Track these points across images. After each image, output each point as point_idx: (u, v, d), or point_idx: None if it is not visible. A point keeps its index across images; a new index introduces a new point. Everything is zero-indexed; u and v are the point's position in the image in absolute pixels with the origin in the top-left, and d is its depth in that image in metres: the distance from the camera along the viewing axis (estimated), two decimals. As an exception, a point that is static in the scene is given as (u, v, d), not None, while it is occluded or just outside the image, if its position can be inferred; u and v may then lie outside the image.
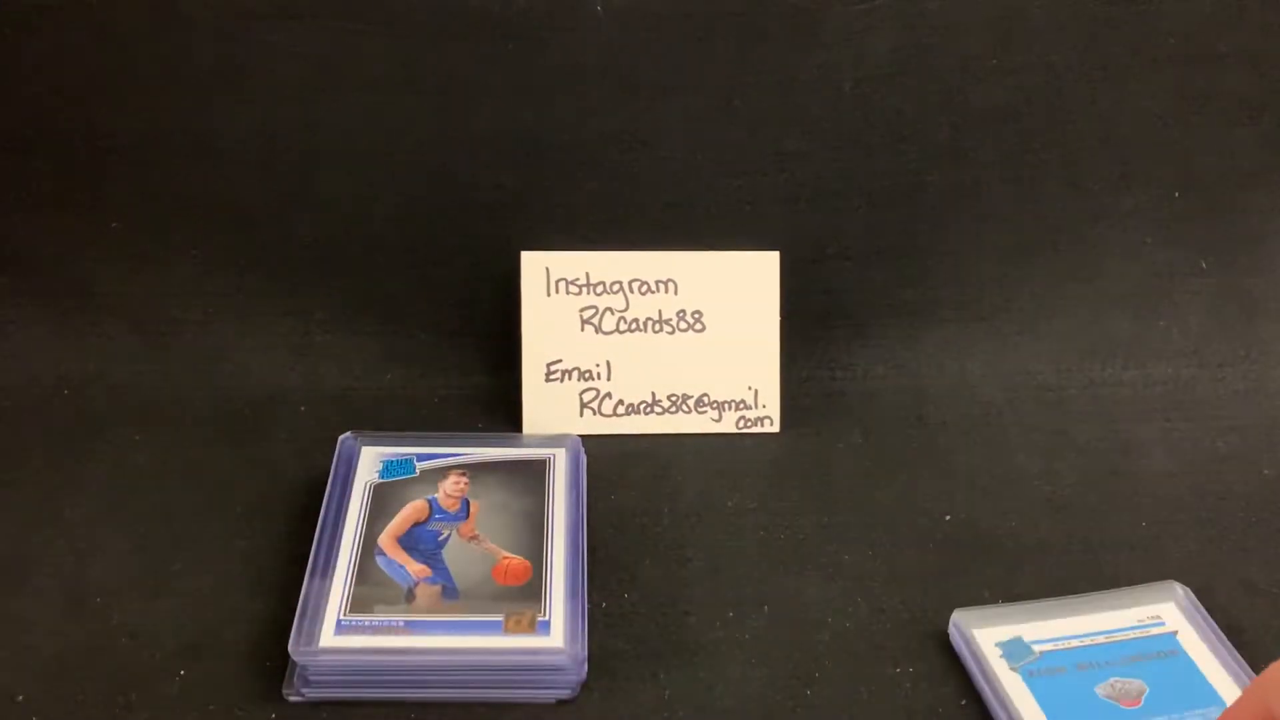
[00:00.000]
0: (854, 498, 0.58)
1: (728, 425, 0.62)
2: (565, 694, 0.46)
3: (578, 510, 0.53)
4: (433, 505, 0.53)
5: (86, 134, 0.60)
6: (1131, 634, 0.49)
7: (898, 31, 0.60)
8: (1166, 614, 0.50)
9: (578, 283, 0.61)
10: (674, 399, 0.62)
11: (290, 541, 0.53)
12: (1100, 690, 0.46)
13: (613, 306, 0.61)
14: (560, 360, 0.61)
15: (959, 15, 0.60)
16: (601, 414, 0.61)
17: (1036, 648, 0.48)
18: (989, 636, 0.48)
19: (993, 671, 0.47)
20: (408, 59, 0.60)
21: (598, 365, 0.61)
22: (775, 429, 0.62)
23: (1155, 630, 0.49)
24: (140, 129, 0.60)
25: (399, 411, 0.62)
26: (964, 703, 0.47)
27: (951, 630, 0.49)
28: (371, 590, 0.48)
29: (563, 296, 0.61)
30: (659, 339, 0.61)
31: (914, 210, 0.64)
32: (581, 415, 0.61)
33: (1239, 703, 0.33)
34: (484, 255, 0.63)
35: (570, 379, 0.61)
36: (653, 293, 0.61)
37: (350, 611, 0.47)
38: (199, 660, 0.47)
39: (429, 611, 0.47)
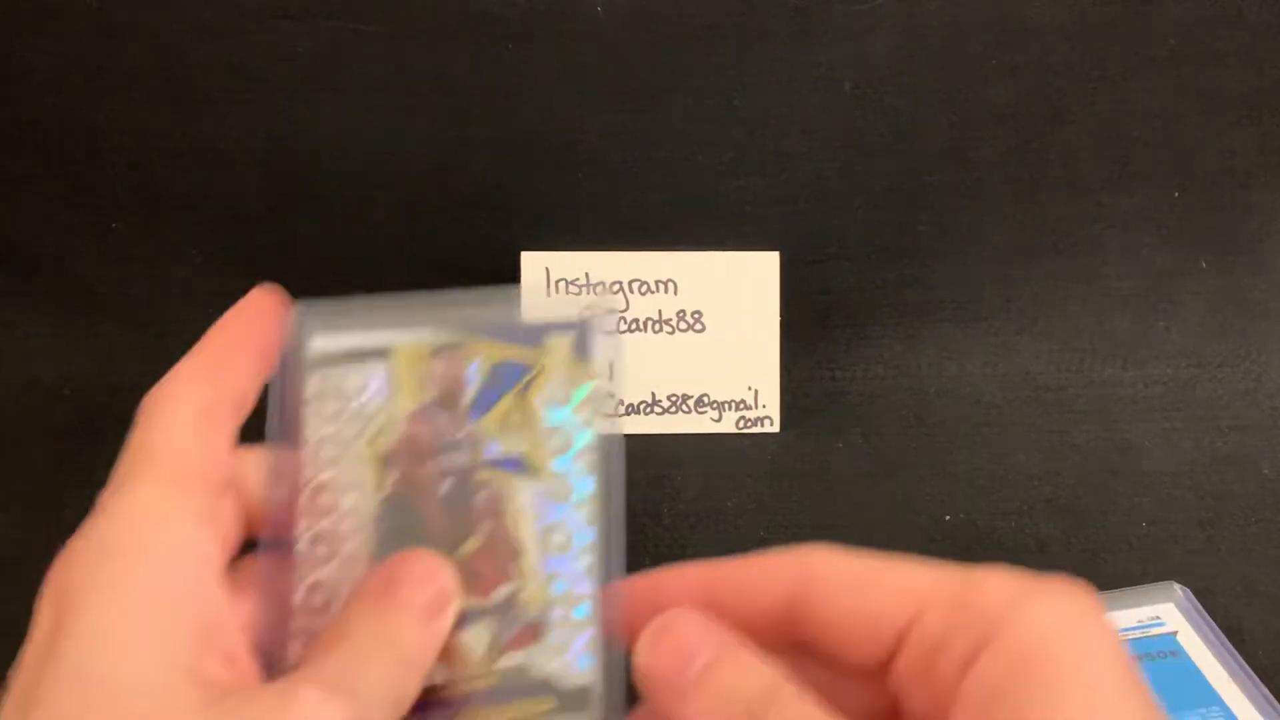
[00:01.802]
0: (854, 498, 0.58)
1: (728, 425, 0.62)
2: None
3: (578, 510, 0.53)
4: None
5: (86, 134, 0.60)
6: (1132, 634, 0.49)
7: (898, 31, 0.60)
8: (1166, 614, 0.50)
9: (578, 283, 0.61)
10: (674, 399, 0.62)
11: (290, 542, 0.53)
12: (1100, 690, 0.46)
13: (613, 306, 0.61)
14: (560, 360, 0.61)
15: (959, 15, 0.60)
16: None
17: (1037, 648, 0.48)
18: (989, 637, 0.48)
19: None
20: (408, 59, 0.60)
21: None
22: (775, 429, 0.62)
23: (1155, 631, 0.49)
24: (140, 129, 0.60)
25: (399, 411, 0.62)
26: (964, 703, 0.47)
27: (951, 630, 0.49)
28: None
29: (563, 296, 0.61)
30: (659, 339, 0.61)
31: (914, 210, 0.64)
32: (581, 415, 0.61)
33: None
34: (484, 255, 0.63)
35: (570, 379, 0.61)
36: (653, 293, 0.61)
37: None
38: (199, 660, 0.47)
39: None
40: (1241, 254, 0.67)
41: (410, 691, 0.29)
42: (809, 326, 0.65)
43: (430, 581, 0.30)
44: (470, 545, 0.32)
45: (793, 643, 0.29)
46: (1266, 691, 0.46)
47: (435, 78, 0.60)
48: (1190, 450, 0.62)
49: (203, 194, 0.62)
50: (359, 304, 0.34)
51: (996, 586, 0.27)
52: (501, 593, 0.32)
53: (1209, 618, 0.49)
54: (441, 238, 0.63)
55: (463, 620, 0.32)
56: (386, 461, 0.33)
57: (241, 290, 0.70)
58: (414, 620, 0.29)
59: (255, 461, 0.32)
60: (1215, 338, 0.67)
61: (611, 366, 0.34)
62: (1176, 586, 0.51)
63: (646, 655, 0.29)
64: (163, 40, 0.59)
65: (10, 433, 0.60)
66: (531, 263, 0.61)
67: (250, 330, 0.33)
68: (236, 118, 0.61)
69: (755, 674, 0.28)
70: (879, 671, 0.29)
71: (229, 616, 0.28)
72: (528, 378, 0.33)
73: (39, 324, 0.63)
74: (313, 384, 0.33)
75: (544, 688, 0.32)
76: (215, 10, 0.58)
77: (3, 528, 0.54)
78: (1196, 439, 0.62)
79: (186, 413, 0.30)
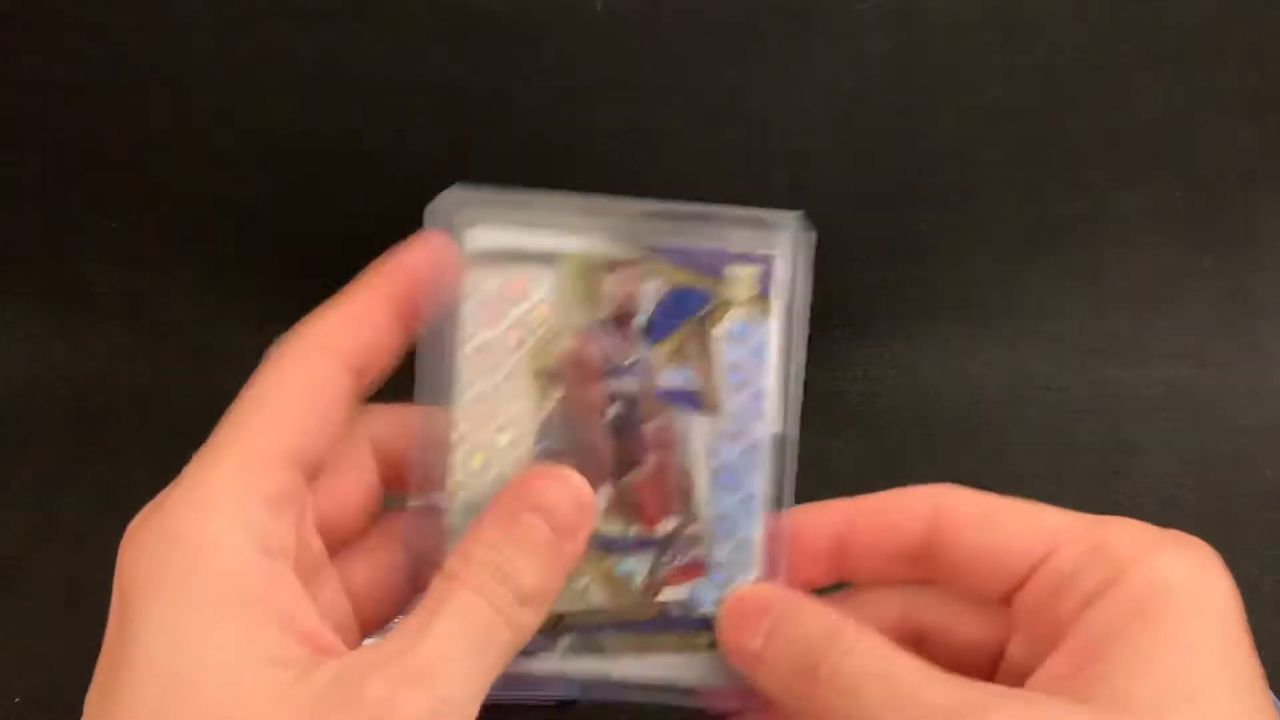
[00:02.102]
0: (854, 498, 0.58)
1: (728, 425, 0.62)
2: (566, 695, 0.46)
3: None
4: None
5: (85, 133, 0.60)
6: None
7: (898, 31, 0.60)
8: (1168, 615, 0.50)
9: (578, 282, 0.61)
10: (674, 399, 0.62)
11: (289, 542, 0.53)
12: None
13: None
14: (560, 360, 0.61)
15: (960, 14, 0.60)
16: (601, 414, 0.61)
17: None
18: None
19: (993, 672, 0.46)
20: (408, 59, 0.60)
21: (598, 365, 0.61)
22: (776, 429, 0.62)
23: (1157, 631, 0.49)
24: (140, 129, 0.60)
25: (398, 412, 0.62)
26: (964, 704, 0.47)
27: (952, 631, 0.49)
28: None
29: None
30: (659, 339, 0.61)
31: (914, 210, 0.64)
32: (581, 415, 0.61)
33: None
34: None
35: (570, 379, 0.61)
36: (653, 292, 0.61)
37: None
38: (197, 661, 0.47)
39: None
40: (1244, 253, 0.66)
41: (526, 629, 0.28)
42: (809, 327, 0.65)
43: (561, 503, 0.29)
44: (636, 475, 0.32)
45: (922, 576, 0.31)
46: (1269, 691, 0.46)
47: (435, 77, 0.60)
48: (1192, 451, 0.61)
49: (203, 194, 0.62)
50: (523, 198, 0.32)
51: (1130, 532, 0.28)
52: (667, 526, 0.32)
53: (1211, 618, 0.49)
54: (441, 237, 0.63)
55: (626, 549, 0.31)
56: (550, 377, 0.31)
57: (241, 290, 0.70)
58: (539, 551, 0.28)
59: (390, 417, 0.31)
60: (1218, 338, 0.67)
61: (798, 304, 0.32)
62: (1178, 587, 0.51)
63: (724, 633, 0.30)
64: (163, 40, 0.59)
65: (9, 432, 0.60)
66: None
67: (403, 284, 0.31)
68: (236, 118, 0.61)
69: (813, 621, 0.29)
70: (1001, 606, 0.30)
71: (303, 601, 0.27)
72: (707, 308, 0.32)
73: (38, 324, 0.64)
74: (470, 283, 0.32)
75: (704, 623, 0.32)
76: (215, 10, 0.58)
77: (1, 527, 0.54)
78: (1198, 439, 0.62)
79: (299, 381, 0.29)
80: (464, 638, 0.27)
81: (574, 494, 0.29)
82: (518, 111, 0.61)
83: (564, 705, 0.46)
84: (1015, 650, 0.30)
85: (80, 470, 0.58)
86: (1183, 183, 0.65)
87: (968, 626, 0.31)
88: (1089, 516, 0.29)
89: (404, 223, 0.63)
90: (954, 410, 0.64)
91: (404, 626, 0.27)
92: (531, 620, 0.29)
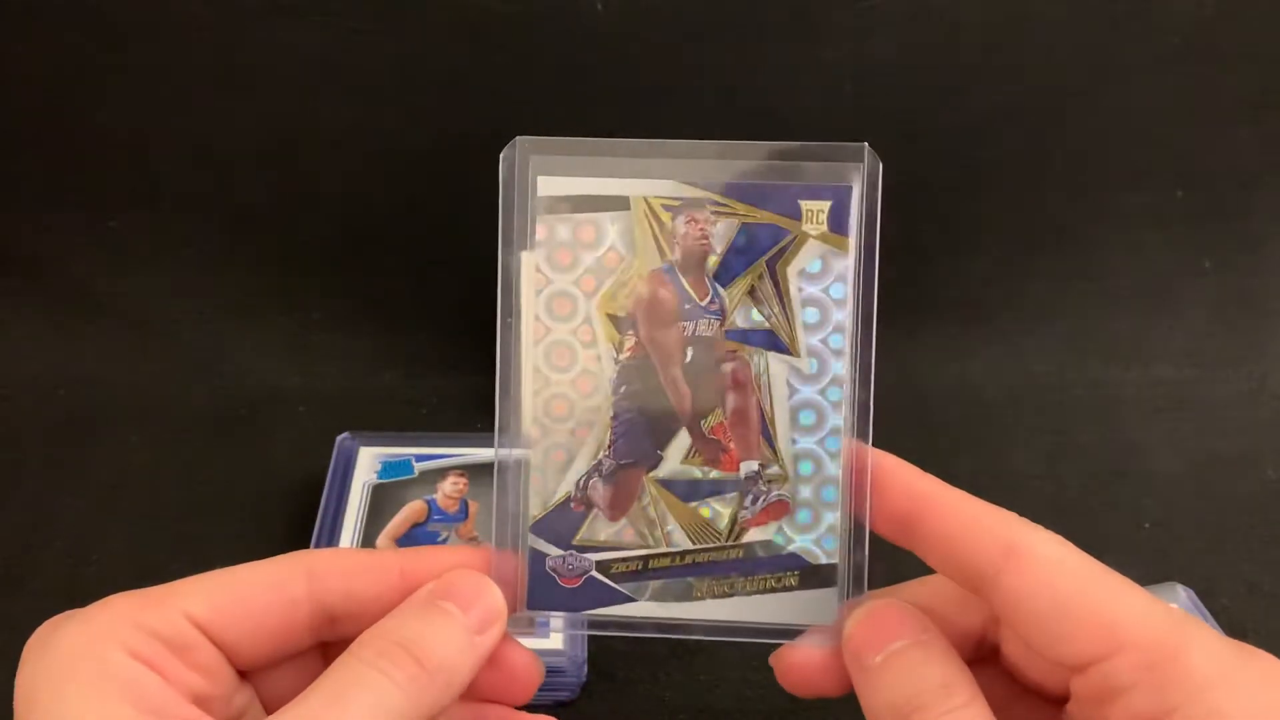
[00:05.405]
0: (855, 498, 0.58)
1: (728, 426, 0.62)
2: (565, 696, 0.46)
3: (577, 510, 0.53)
4: (431, 506, 0.52)
5: (84, 133, 0.60)
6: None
7: (898, 31, 0.60)
8: (1169, 615, 0.49)
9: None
10: (674, 399, 0.61)
11: (289, 542, 0.53)
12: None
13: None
14: (560, 360, 0.61)
15: (960, 14, 0.60)
16: (601, 414, 0.61)
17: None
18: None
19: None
20: (408, 59, 0.60)
21: (598, 365, 0.61)
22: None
23: (1157, 632, 0.49)
24: (139, 128, 0.60)
25: (398, 411, 0.62)
26: (965, 704, 0.46)
27: (952, 631, 0.49)
28: (370, 591, 0.48)
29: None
30: (659, 339, 0.61)
31: (915, 210, 0.64)
32: (581, 416, 0.61)
33: None
34: (484, 255, 0.63)
35: (570, 379, 0.61)
36: (653, 293, 0.61)
37: (348, 612, 0.46)
38: (197, 661, 0.47)
39: (427, 612, 0.47)
40: (1245, 254, 0.66)
41: (434, 704, 0.28)
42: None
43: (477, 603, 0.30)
44: (716, 417, 0.32)
45: (982, 599, 0.29)
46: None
47: (435, 77, 0.60)
48: (1193, 451, 0.61)
49: (202, 194, 0.62)
50: (592, 144, 0.32)
51: (1203, 654, 0.26)
52: (748, 468, 0.32)
53: (1213, 619, 0.49)
54: (441, 237, 0.63)
55: (709, 492, 0.32)
56: (624, 322, 0.32)
57: (241, 290, 0.70)
58: (452, 630, 0.29)
59: (331, 559, 0.31)
60: (1218, 338, 0.67)
61: (871, 238, 0.31)
62: (1179, 588, 0.50)
63: (849, 636, 0.30)
64: (163, 40, 0.59)
65: (7, 432, 0.60)
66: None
67: (417, 571, 0.31)
68: (236, 117, 0.61)
69: (937, 666, 0.28)
70: (1055, 692, 0.29)
71: (168, 690, 0.28)
72: (780, 245, 0.31)
73: (37, 324, 0.64)
74: (541, 231, 0.32)
75: (789, 563, 0.32)
76: (215, 10, 0.58)
77: (1, 527, 0.54)
78: (1199, 440, 0.62)
79: (263, 576, 0.31)
80: (368, 714, 0.27)
81: (491, 597, 0.31)
82: (518, 111, 0.61)
83: (564, 704, 0.46)
84: (1073, 711, 0.29)
85: (77, 470, 0.58)
86: (1184, 184, 0.65)
87: (1035, 671, 0.31)
88: (1161, 612, 0.27)
89: (403, 222, 0.63)
90: (955, 410, 0.64)
91: (307, 700, 0.27)
92: (441, 695, 0.29)
